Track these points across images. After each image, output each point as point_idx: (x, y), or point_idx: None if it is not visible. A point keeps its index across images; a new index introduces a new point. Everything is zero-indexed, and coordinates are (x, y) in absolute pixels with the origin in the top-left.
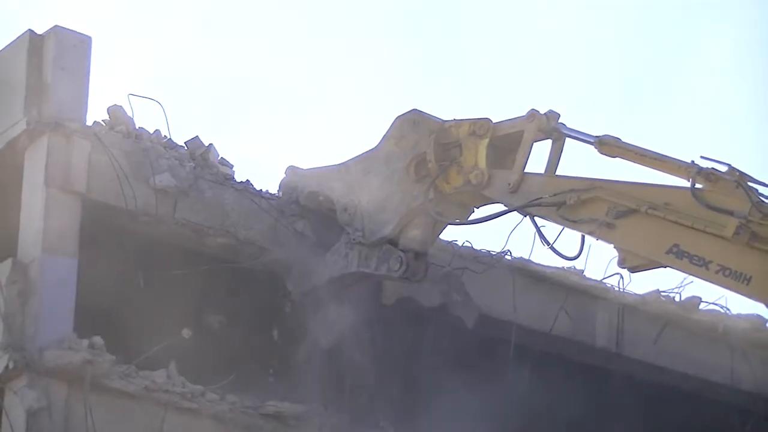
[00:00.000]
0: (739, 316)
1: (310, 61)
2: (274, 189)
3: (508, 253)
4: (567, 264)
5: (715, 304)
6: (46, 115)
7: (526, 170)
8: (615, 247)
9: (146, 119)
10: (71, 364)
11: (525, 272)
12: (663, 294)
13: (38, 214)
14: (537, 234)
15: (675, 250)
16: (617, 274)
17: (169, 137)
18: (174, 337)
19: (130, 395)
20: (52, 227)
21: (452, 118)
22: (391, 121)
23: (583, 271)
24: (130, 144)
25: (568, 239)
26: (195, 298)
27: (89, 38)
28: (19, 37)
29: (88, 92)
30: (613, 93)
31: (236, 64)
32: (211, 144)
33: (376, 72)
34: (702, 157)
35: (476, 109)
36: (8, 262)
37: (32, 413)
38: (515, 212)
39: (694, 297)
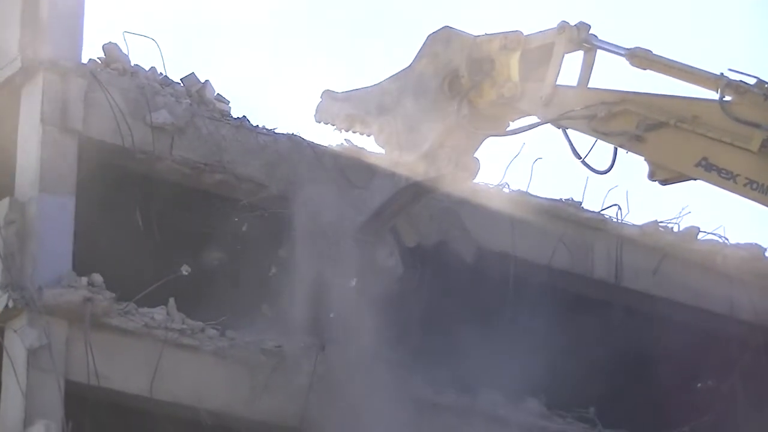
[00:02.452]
0: (737, 245)
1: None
2: (270, 125)
3: (506, 186)
4: (565, 196)
5: (714, 234)
6: (41, 54)
7: (558, 83)
8: (645, 160)
9: (142, 57)
10: (71, 302)
11: (523, 205)
12: (661, 225)
13: (35, 152)
14: (569, 147)
15: (704, 163)
16: (615, 205)
17: (165, 74)
18: (173, 274)
19: (129, 332)
20: (49, 166)
21: (483, 33)
22: (423, 40)
23: (581, 203)
24: (127, 81)
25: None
26: (193, 235)
27: None
28: None
29: (83, 30)
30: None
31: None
32: (207, 80)
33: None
34: (730, 69)
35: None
36: (5, 201)
37: (32, 351)
38: (525, 135)
39: (692, 227)
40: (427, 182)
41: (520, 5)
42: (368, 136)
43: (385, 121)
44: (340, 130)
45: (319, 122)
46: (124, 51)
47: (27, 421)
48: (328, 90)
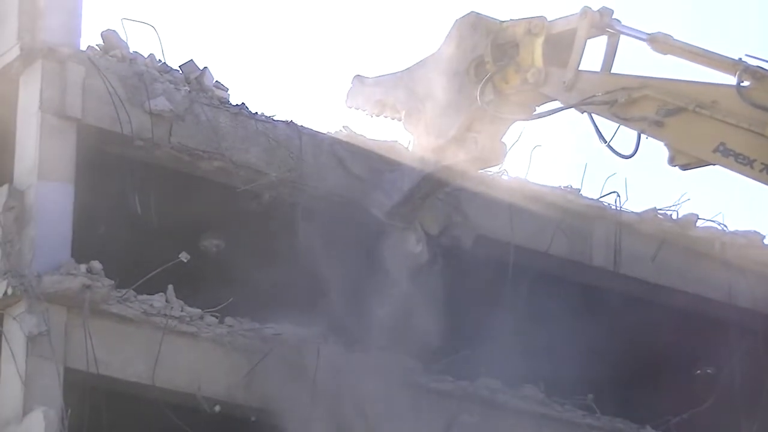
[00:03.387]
0: (736, 232)
1: None
2: (269, 112)
3: (505, 173)
4: (563, 183)
5: (713, 221)
6: (39, 41)
7: (582, 68)
8: (665, 145)
9: (140, 43)
10: (70, 289)
11: (522, 192)
12: (660, 212)
13: (34, 140)
14: (594, 131)
15: (721, 148)
16: (614, 192)
17: (163, 61)
18: (172, 261)
19: (128, 319)
20: (47, 153)
21: (509, 18)
22: (450, 24)
23: (579, 190)
24: (125, 68)
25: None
26: (192, 222)
27: None
28: None
29: (81, 17)
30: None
31: None
32: (205, 67)
33: None
34: (747, 55)
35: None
36: (4, 188)
37: (32, 338)
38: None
39: (691, 214)
40: (455, 167)
41: None
42: (398, 120)
43: (413, 107)
44: (371, 115)
45: (350, 107)
46: (123, 38)
47: (26, 408)
48: (358, 75)
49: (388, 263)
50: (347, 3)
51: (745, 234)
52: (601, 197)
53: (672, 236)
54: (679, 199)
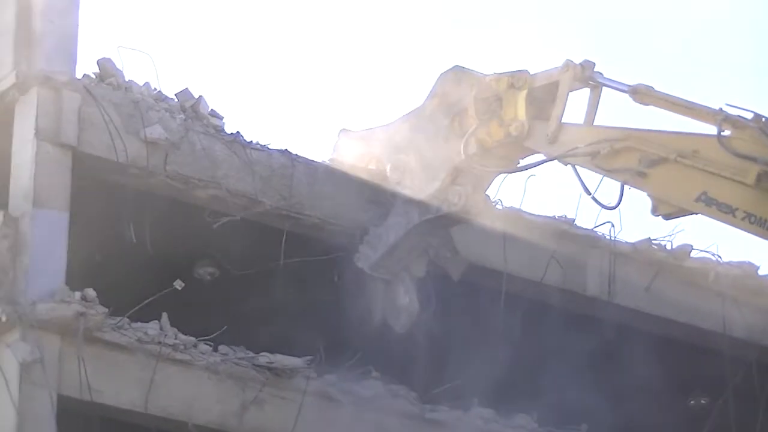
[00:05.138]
0: (730, 263)
1: (300, 11)
2: (264, 140)
3: (499, 203)
4: (558, 213)
5: (707, 252)
6: (35, 68)
7: (564, 120)
8: (648, 195)
9: (136, 72)
10: (64, 316)
11: (516, 221)
12: (654, 242)
13: (28, 167)
14: (579, 183)
15: (704, 197)
16: (608, 222)
17: (159, 89)
18: (166, 288)
19: (122, 347)
20: (42, 181)
21: (492, 72)
22: (435, 79)
23: (574, 220)
24: (121, 96)
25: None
26: (186, 250)
27: None
28: None
29: (77, 45)
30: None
31: (227, 15)
32: (201, 96)
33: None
34: (728, 104)
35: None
36: None
37: (25, 366)
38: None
39: (685, 245)
40: (439, 219)
41: (528, 43)
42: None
43: (398, 160)
44: (356, 167)
45: (336, 160)
46: (119, 66)
47: None
48: (344, 129)
49: (378, 313)
50: (339, 42)
51: (740, 265)
52: (595, 227)
53: (666, 266)
54: (673, 230)
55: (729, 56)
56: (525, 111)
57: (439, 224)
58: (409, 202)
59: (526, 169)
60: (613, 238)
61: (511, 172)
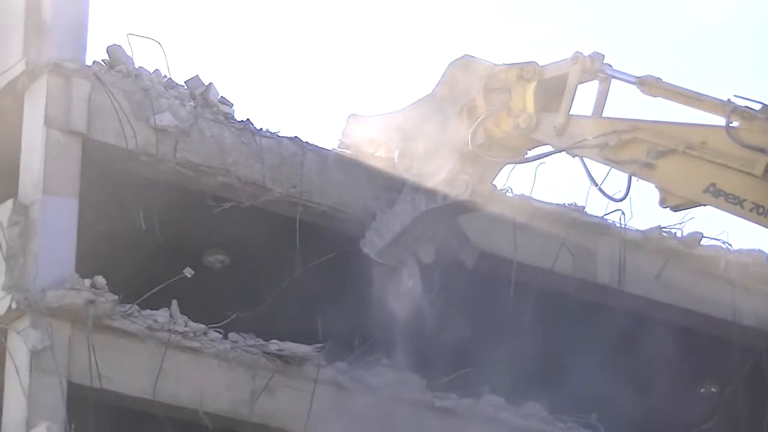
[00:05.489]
0: (740, 251)
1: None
2: (273, 128)
3: (509, 191)
4: (568, 200)
5: (717, 240)
6: (45, 56)
7: (572, 112)
8: (656, 187)
9: (146, 59)
10: (74, 304)
11: (526, 209)
12: (665, 230)
13: (39, 155)
14: (586, 175)
15: (711, 189)
16: (618, 210)
17: (168, 77)
18: (176, 276)
19: (132, 335)
20: (52, 168)
21: (502, 63)
22: (444, 67)
23: (584, 207)
24: (130, 84)
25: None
26: (196, 238)
27: None
28: None
29: (86, 32)
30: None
31: (237, 2)
32: (211, 83)
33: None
34: (736, 95)
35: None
36: (9, 203)
37: (36, 353)
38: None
39: (695, 233)
40: (446, 208)
41: (538, 35)
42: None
43: (406, 147)
44: (365, 153)
45: (344, 145)
46: (128, 53)
47: (30, 423)
48: (353, 114)
49: (383, 299)
50: (350, 29)
51: (750, 253)
52: (605, 215)
53: (676, 254)
54: (683, 218)
55: (730, 56)
56: (534, 102)
57: (446, 213)
58: (416, 189)
59: (534, 160)
60: (623, 226)
61: (518, 163)
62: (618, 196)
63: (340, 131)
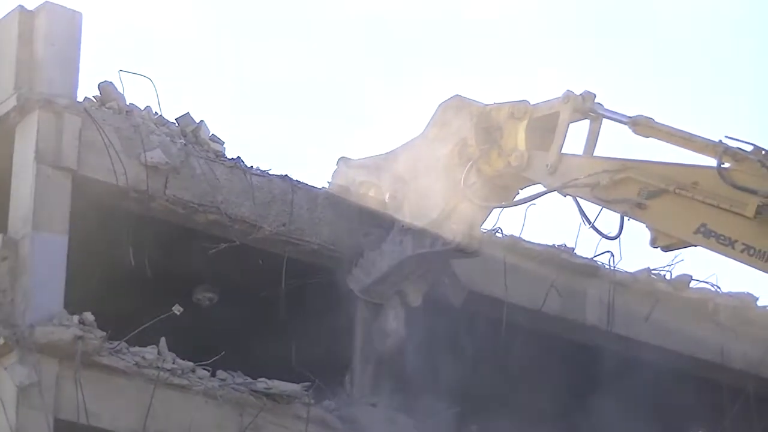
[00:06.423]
0: (729, 294)
1: (303, 39)
2: (264, 166)
3: (499, 231)
4: (558, 241)
5: (706, 282)
6: (36, 92)
7: (564, 151)
8: (647, 227)
9: (137, 96)
10: (62, 340)
11: (516, 250)
12: (654, 272)
13: (29, 190)
14: (579, 213)
15: (703, 229)
16: (608, 251)
17: (160, 114)
18: (164, 313)
19: (120, 371)
20: (42, 204)
21: (492, 102)
22: (435, 108)
23: (573, 249)
24: (121, 120)
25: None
26: (185, 275)
27: (80, 14)
28: (9, 12)
29: (78, 68)
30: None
31: (228, 40)
32: (202, 121)
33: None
34: (727, 136)
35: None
36: None
37: (22, 389)
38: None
39: (684, 275)
40: (433, 254)
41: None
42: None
43: (397, 189)
44: (355, 196)
45: (335, 188)
46: (120, 90)
47: None
48: (343, 157)
49: (369, 337)
50: (341, 69)
51: (739, 296)
52: (595, 256)
53: (665, 296)
54: (672, 260)
55: (730, 57)
56: (525, 141)
57: (433, 258)
58: (405, 231)
59: (524, 202)
60: (612, 268)
61: (509, 206)
62: (611, 234)
63: (331, 174)
